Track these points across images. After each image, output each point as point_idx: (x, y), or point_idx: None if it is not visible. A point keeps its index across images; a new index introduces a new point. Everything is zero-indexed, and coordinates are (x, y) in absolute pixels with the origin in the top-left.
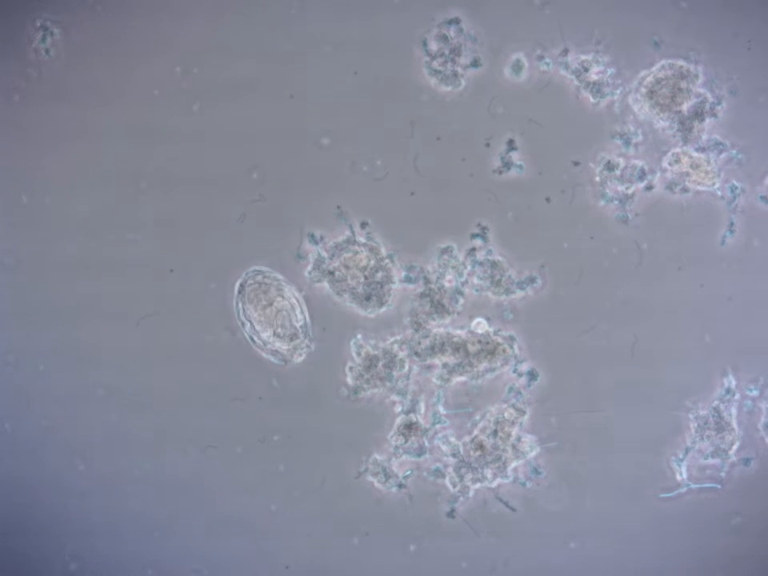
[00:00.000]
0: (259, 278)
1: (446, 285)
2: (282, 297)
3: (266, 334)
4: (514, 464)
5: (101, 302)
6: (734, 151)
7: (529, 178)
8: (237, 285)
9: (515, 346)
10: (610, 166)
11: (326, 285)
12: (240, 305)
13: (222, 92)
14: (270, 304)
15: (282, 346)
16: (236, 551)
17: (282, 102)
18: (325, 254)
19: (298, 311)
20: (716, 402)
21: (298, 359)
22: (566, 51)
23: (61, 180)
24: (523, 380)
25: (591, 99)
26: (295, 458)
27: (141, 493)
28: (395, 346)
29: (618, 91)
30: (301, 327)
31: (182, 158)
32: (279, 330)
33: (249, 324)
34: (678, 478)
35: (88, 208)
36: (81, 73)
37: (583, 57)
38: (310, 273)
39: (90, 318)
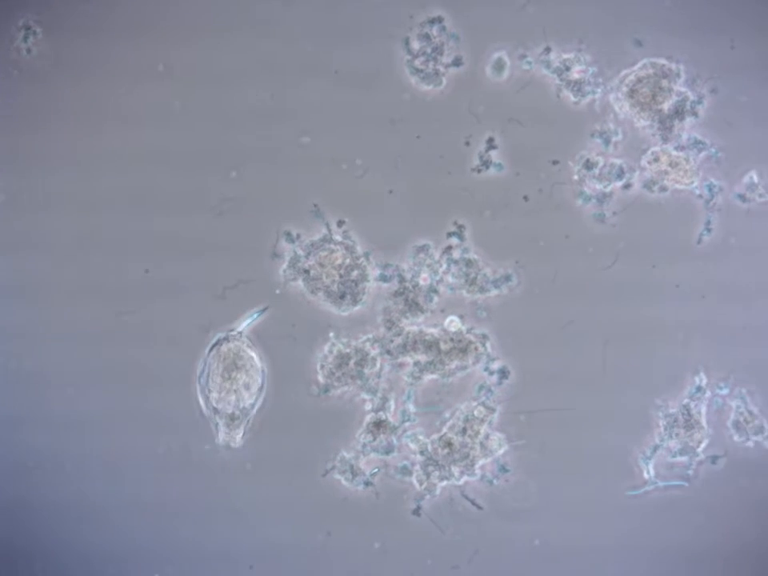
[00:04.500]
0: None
1: (421, 283)
2: (246, 372)
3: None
4: (481, 461)
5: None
6: (713, 150)
7: (507, 176)
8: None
9: (487, 345)
10: (588, 165)
11: (300, 283)
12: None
13: (202, 91)
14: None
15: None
16: (199, 551)
17: (261, 100)
18: (300, 253)
19: (251, 391)
20: (686, 400)
21: (232, 443)
22: (548, 50)
23: (41, 180)
24: (494, 378)
25: (572, 98)
26: (262, 456)
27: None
28: (367, 344)
29: (599, 90)
30: (245, 410)
31: (161, 157)
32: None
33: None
34: (645, 475)
35: (60, 219)
36: (63, 72)
37: (565, 56)
38: (284, 271)
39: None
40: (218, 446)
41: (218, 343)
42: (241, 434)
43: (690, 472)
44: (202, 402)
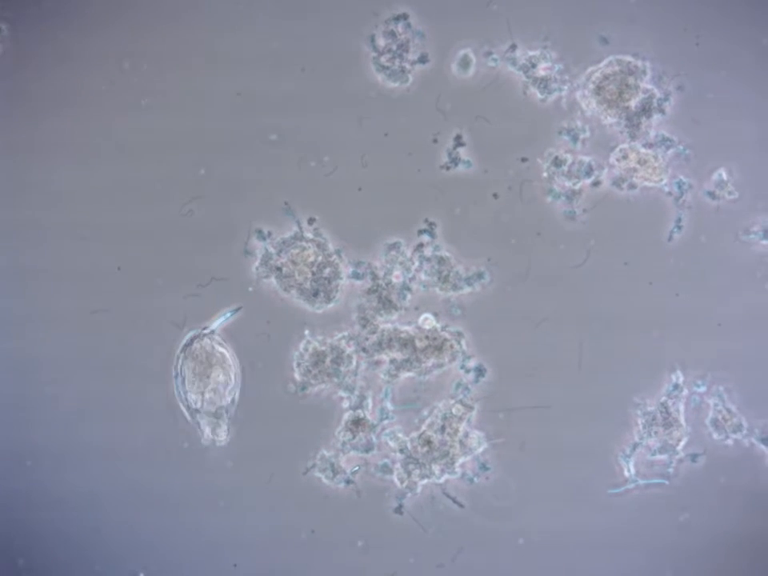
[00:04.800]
0: (206, 342)
1: (394, 281)
2: (222, 370)
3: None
4: (461, 460)
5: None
6: (681, 147)
7: (476, 173)
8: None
9: (463, 342)
10: (557, 162)
11: (273, 281)
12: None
13: (170, 88)
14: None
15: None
16: (182, 549)
17: (229, 98)
18: (272, 250)
19: (229, 388)
20: (663, 398)
21: (218, 440)
22: (513, 47)
23: (6, 174)
24: (471, 376)
25: (539, 95)
26: (242, 454)
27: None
28: (343, 342)
29: (566, 87)
30: (225, 407)
31: (129, 155)
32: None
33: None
34: (626, 474)
35: (30, 216)
36: (29, 69)
37: (531, 53)
38: (257, 269)
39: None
40: (201, 444)
41: (190, 342)
42: (225, 431)
43: (671, 470)
44: (180, 402)
